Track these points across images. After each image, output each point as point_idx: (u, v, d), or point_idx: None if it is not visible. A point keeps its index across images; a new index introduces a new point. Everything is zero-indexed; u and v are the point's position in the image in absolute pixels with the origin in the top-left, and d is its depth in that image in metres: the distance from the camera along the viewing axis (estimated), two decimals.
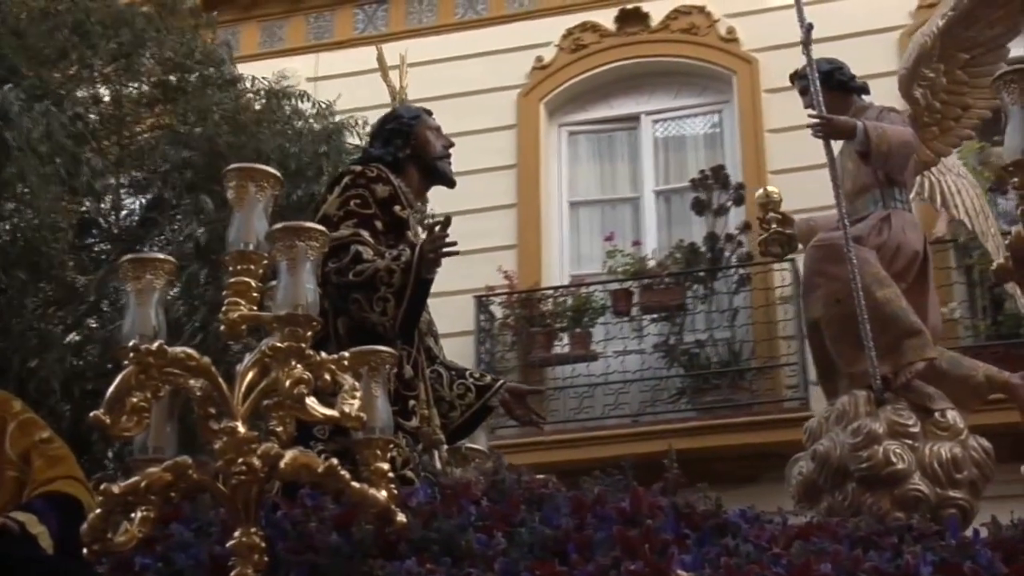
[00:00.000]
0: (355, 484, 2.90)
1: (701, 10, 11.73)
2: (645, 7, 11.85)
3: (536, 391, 5.42)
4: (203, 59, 7.73)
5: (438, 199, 5.47)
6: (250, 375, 2.98)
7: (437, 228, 4.36)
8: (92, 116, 7.17)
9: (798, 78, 6.23)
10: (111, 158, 6.79)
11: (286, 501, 3.25)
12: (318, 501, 3.18)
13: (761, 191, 6.56)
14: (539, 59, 11.94)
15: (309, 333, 2.89)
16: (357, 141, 7.95)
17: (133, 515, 2.94)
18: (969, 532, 3.32)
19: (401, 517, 2.94)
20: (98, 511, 2.87)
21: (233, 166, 3.05)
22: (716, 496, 3.22)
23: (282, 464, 2.88)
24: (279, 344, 2.87)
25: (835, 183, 5.83)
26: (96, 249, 7.52)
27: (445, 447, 4.50)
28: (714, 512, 3.14)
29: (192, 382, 2.96)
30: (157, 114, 7.74)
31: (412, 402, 4.40)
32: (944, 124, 6.06)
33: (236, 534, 2.91)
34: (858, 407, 5.42)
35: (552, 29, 11.98)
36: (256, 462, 2.87)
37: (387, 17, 12.48)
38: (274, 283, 3.04)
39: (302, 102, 8.23)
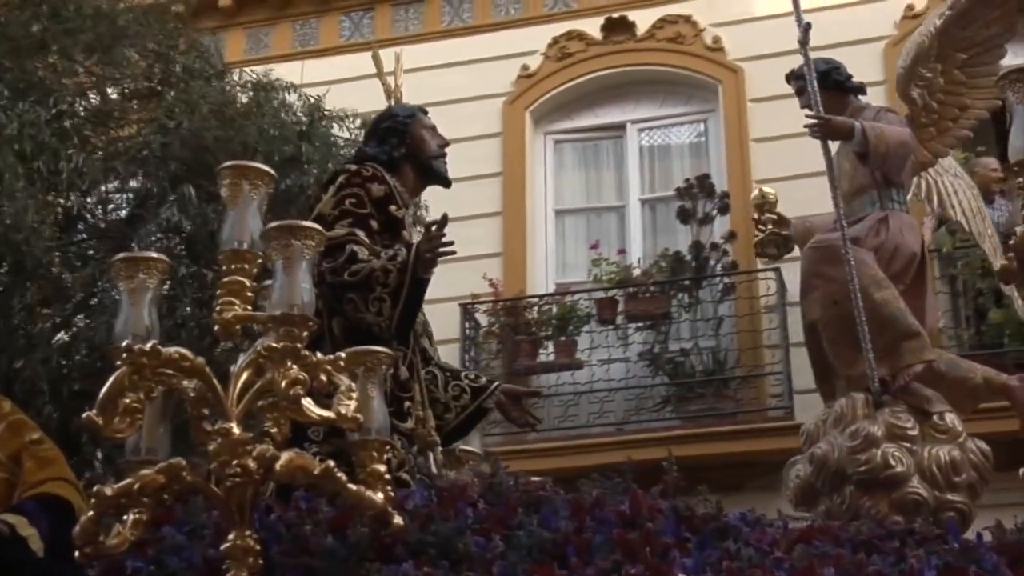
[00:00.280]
0: (352, 486, 2.86)
1: (687, 19, 11.73)
2: (631, 16, 11.84)
3: (533, 393, 5.38)
4: (187, 50, 7.65)
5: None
6: (244, 376, 2.94)
7: (434, 227, 4.32)
8: (77, 109, 7.08)
9: (794, 78, 6.22)
10: (98, 152, 6.71)
11: (280, 503, 3.20)
12: (312, 503, 3.14)
13: (757, 192, 6.56)
14: (525, 67, 11.92)
15: (305, 333, 2.85)
16: (346, 134, 7.90)
17: (125, 517, 2.91)
18: (972, 536, 3.30)
19: (398, 520, 2.90)
20: (90, 513, 2.83)
21: (227, 164, 3.02)
22: (716, 499, 3.19)
23: (278, 466, 2.85)
24: (275, 344, 2.83)
25: (832, 184, 5.81)
26: (83, 245, 7.43)
27: (440, 449, 4.46)
28: (715, 515, 3.11)
29: (185, 383, 2.92)
30: (142, 107, 7.65)
31: (407, 403, 4.36)
32: (941, 124, 6.05)
33: (230, 537, 2.88)
34: (856, 410, 5.41)
35: (538, 37, 11.97)
36: (251, 464, 2.84)
37: (373, 24, 12.45)
38: (268, 282, 3.01)
39: (289, 94, 8.17)
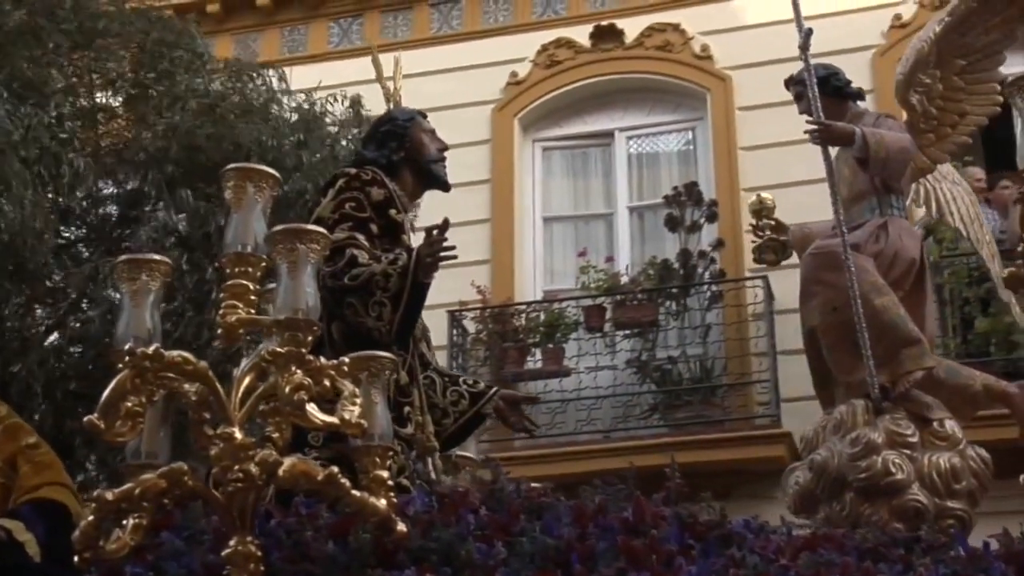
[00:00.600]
0: (355, 492, 2.84)
1: (676, 27, 11.75)
2: (620, 24, 11.86)
3: (531, 399, 5.35)
4: (174, 41, 7.59)
5: None
6: (247, 380, 2.92)
7: (435, 231, 4.30)
8: (66, 108, 7.03)
9: (793, 83, 6.22)
10: (87, 150, 6.67)
11: (279, 509, 3.17)
12: (313, 509, 3.12)
13: (755, 198, 6.54)
14: (514, 74, 11.92)
15: (310, 338, 2.83)
16: (335, 128, 7.87)
17: (125, 522, 2.88)
18: (979, 544, 3.29)
19: (402, 527, 2.87)
20: (90, 518, 2.80)
21: (232, 166, 2.98)
22: (720, 506, 3.18)
23: (280, 471, 2.82)
24: (279, 349, 2.81)
25: (833, 190, 5.80)
26: (77, 245, 7.38)
27: (438, 454, 4.44)
28: (718, 522, 3.10)
29: (187, 386, 2.90)
30: (130, 104, 7.57)
31: (407, 408, 4.34)
32: (940, 131, 6.05)
33: (232, 543, 2.85)
34: (856, 416, 5.41)
35: (527, 45, 11.97)
36: (253, 469, 2.81)
37: (362, 31, 12.44)
38: (271, 286, 2.99)
39: (277, 81, 8.13)
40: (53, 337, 6.98)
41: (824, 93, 5.95)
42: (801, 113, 6.12)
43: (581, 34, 11.94)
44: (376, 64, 5.13)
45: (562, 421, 10.55)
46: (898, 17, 11.23)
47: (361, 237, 4.39)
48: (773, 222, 6.36)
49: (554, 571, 2.88)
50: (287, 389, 2.79)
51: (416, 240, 4.53)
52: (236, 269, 2.92)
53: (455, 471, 5.05)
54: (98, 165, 7.00)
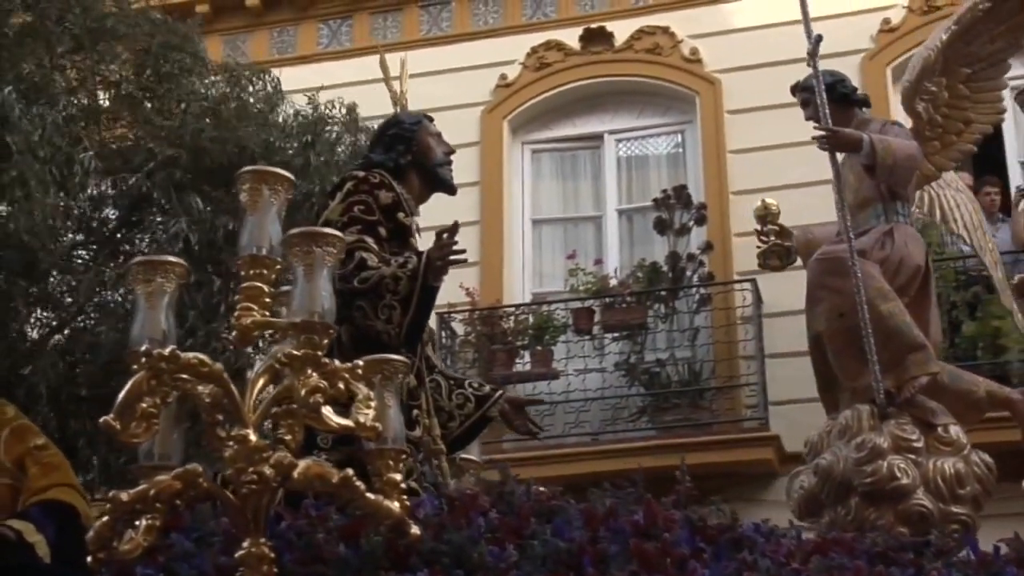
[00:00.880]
0: (370, 495, 2.85)
1: (665, 31, 11.77)
2: (609, 27, 11.88)
3: (536, 402, 5.37)
4: (178, 44, 7.59)
5: None
6: (261, 382, 2.92)
7: (445, 235, 4.32)
8: (72, 110, 7.02)
9: (800, 90, 6.25)
10: (90, 153, 6.65)
11: (288, 512, 3.18)
12: (322, 512, 3.13)
13: (759, 203, 6.57)
14: (503, 77, 11.94)
15: (325, 341, 2.84)
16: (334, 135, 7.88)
17: (137, 523, 2.88)
18: (989, 548, 3.31)
19: (415, 529, 2.88)
20: (105, 519, 2.80)
21: (247, 169, 2.99)
22: (732, 510, 3.20)
23: (295, 474, 2.82)
24: (295, 352, 2.81)
25: (839, 196, 5.83)
26: (76, 249, 7.36)
27: (444, 457, 4.45)
28: (729, 526, 3.11)
29: (200, 388, 2.90)
30: (134, 106, 7.56)
31: (416, 412, 4.35)
32: (945, 139, 6.10)
33: (245, 544, 2.85)
34: (862, 421, 5.44)
35: (516, 47, 11.98)
36: (268, 471, 2.81)
37: (351, 33, 12.43)
38: (285, 289, 2.99)
39: (271, 88, 8.14)
40: (56, 339, 6.96)
41: (830, 99, 5.99)
42: (807, 119, 6.15)
43: (571, 37, 11.95)
44: (384, 67, 5.12)
45: (550, 424, 10.50)
46: (887, 21, 11.27)
47: (370, 240, 4.40)
48: (777, 227, 6.39)
49: (566, 574, 2.89)
50: (303, 392, 2.80)
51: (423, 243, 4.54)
52: (251, 271, 2.92)
53: (459, 474, 5.06)
54: (104, 165, 6.98)
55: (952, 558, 3.10)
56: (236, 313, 2.91)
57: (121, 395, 2.78)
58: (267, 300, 2.92)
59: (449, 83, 11.63)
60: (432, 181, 4.85)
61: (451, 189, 4.91)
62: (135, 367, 2.80)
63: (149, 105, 7.45)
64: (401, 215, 4.59)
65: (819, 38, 5.99)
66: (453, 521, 3.09)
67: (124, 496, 2.80)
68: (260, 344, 4.61)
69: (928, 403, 5.57)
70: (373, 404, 2.87)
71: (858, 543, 3.20)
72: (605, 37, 11.89)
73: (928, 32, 10.80)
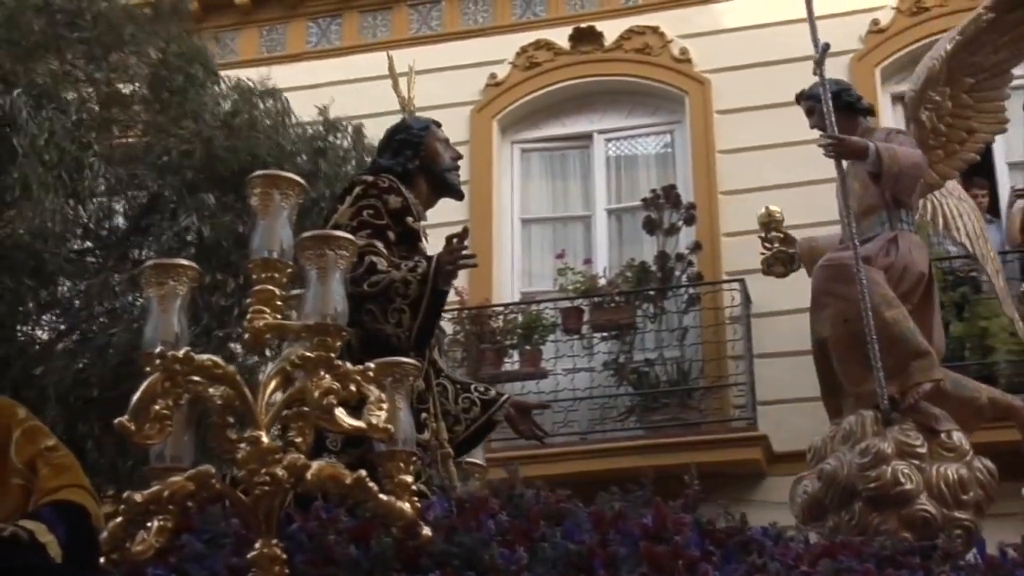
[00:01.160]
0: (382, 497, 2.86)
1: (655, 30, 11.79)
2: (599, 26, 11.88)
3: (542, 406, 5.39)
4: (191, 56, 7.61)
5: None
6: (272, 384, 2.93)
7: (455, 240, 4.33)
8: (83, 116, 7.03)
9: (805, 98, 6.27)
10: (101, 159, 6.66)
11: (298, 513, 3.19)
12: (332, 513, 3.14)
13: (763, 210, 6.58)
14: (492, 76, 11.94)
15: (338, 343, 2.85)
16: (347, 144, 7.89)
17: (149, 524, 2.89)
18: (995, 552, 3.33)
19: (427, 531, 2.90)
20: (119, 519, 2.81)
21: (258, 173, 3.00)
22: (741, 513, 3.22)
23: (308, 475, 2.84)
24: (308, 354, 2.83)
25: (845, 203, 5.86)
26: (84, 256, 7.37)
27: (451, 460, 4.46)
28: (738, 529, 3.13)
29: (212, 390, 2.91)
30: (147, 113, 7.58)
31: (424, 415, 4.36)
32: (949, 147, 6.14)
33: (257, 545, 2.86)
34: (865, 427, 5.47)
35: (506, 46, 11.99)
36: (281, 473, 2.83)
37: (340, 31, 12.42)
38: (296, 292, 3.01)
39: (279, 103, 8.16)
40: (65, 343, 6.96)
41: (835, 108, 6.01)
42: (812, 128, 6.17)
43: (560, 36, 11.96)
44: (392, 71, 5.14)
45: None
46: (876, 22, 11.31)
47: (380, 244, 4.42)
48: (782, 234, 6.41)
49: None
50: (316, 394, 2.82)
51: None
52: (263, 275, 2.93)
53: (465, 477, 5.08)
54: (115, 171, 6.99)
55: (959, 561, 3.13)
56: (248, 316, 2.92)
57: (136, 396, 2.79)
58: (279, 303, 2.94)
59: (438, 82, 11.58)
60: (439, 186, 4.87)
61: (459, 194, 4.93)
62: (149, 369, 2.81)
63: (162, 118, 7.46)
64: (409, 219, 4.60)
65: (826, 46, 6.02)
66: (463, 523, 3.11)
67: (138, 497, 2.81)
68: (267, 352, 4.61)
69: (931, 409, 5.61)
70: (385, 406, 2.89)
71: (866, 547, 3.23)
72: (595, 37, 11.90)
73: (917, 33, 10.94)
